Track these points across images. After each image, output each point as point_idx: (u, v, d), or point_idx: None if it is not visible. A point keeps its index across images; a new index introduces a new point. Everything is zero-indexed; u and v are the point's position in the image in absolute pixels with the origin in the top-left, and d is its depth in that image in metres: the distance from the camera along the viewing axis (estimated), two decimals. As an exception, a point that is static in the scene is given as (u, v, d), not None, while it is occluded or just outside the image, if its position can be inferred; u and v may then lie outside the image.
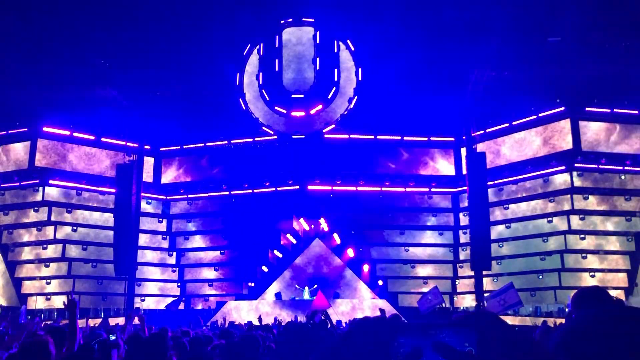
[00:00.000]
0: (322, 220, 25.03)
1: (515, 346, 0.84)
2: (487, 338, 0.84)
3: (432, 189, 25.48)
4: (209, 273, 26.43)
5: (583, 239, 22.90)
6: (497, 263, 23.31)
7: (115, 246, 21.77)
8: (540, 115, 23.26)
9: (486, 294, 20.45)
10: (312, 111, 25.32)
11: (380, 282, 24.92)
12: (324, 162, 24.90)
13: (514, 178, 23.93)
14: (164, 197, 26.81)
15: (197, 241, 26.81)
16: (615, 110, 22.38)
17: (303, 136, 25.03)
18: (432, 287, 17.78)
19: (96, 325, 16.79)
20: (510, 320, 19.15)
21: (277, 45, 26.22)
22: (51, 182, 23.94)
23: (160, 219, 26.86)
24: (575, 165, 22.61)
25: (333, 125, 25.41)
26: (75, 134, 24.46)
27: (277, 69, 25.96)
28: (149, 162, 25.96)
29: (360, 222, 25.69)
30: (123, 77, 23.39)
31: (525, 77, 22.93)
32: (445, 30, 21.89)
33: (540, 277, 23.17)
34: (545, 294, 22.95)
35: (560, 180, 23.01)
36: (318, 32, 26.03)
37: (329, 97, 25.49)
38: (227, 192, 25.90)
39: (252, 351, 3.85)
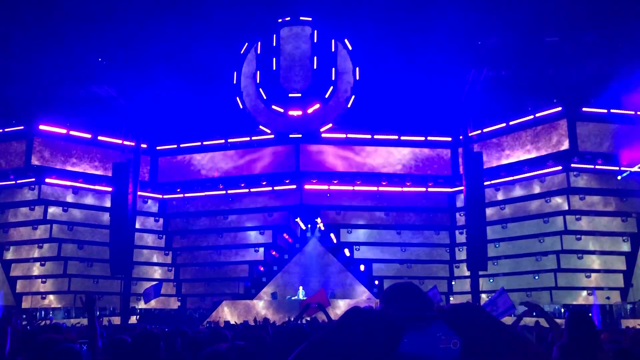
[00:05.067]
0: (318, 220, 25.04)
1: (498, 337, 0.83)
2: (471, 329, 0.83)
3: (429, 189, 25.48)
4: (205, 272, 26.37)
5: (579, 239, 22.93)
6: (493, 263, 23.32)
7: (111, 245, 21.72)
8: (537, 115, 23.28)
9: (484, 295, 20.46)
10: (310, 110, 25.30)
11: (376, 282, 24.94)
12: (321, 161, 24.92)
13: (511, 178, 23.95)
14: (161, 196, 26.77)
15: (194, 240, 26.76)
16: (612, 110, 22.40)
17: (300, 135, 25.01)
18: (432, 287, 17.74)
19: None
20: (507, 321, 19.12)
21: (274, 44, 26.19)
22: (47, 180, 23.85)
23: (157, 218, 26.81)
24: (572, 165, 22.64)
25: (330, 124, 25.40)
26: (71, 132, 24.38)
27: (274, 68, 25.93)
28: (145, 161, 25.90)
29: (357, 222, 25.71)
30: (120, 75, 23.33)
31: (523, 77, 22.97)
32: (443, 30, 21.87)
33: (536, 277, 23.21)
34: (541, 294, 22.98)
35: (557, 180, 23.04)
36: (316, 31, 26.01)
37: (326, 96, 25.47)
38: (224, 191, 25.87)
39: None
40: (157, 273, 26.30)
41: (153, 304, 23.23)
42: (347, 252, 24.94)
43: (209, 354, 3.65)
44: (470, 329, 0.88)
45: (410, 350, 0.84)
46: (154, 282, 24.88)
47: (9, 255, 24.63)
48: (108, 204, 23.39)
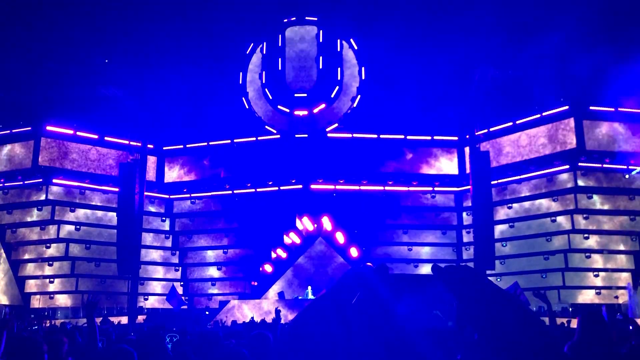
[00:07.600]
0: (325, 220, 25.00)
1: (492, 297, 0.83)
2: (468, 290, 0.83)
3: (436, 188, 25.43)
4: (212, 272, 26.43)
5: (587, 238, 22.81)
6: (500, 262, 23.24)
7: (118, 245, 21.80)
8: (544, 114, 23.19)
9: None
10: (315, 110, 25.31)
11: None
12: (327, 161, 24.88)
13: (518, 177, 23.86)
14: (167, 196, 26.83)
15: (200, 240, 26.82)
16: (619, 109, 22.27)
17: (306, 135, 25.01)
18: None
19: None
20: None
21: (280, 44, 26.22)
22: (54, 180, 23.97)
23: (164, 218, 26.89)
24: (579, 164, 22.53)
25: (336, 124, 25.39)
26: (78, 133, 24.50)
27: (280, 68, 25.97)
28: (152, 161, 25.99)
29: (363, 221, 25.66)
30: (126, 76, 23.42)
31: (529, 76, 22.88)
32: (449, 29, 21.85)
33: (544, 276, 23.10)
34: (548, 293, 22.59)
35: (564, 179, 22.93)
36: (321, 31, 26.02)
37: (332, 96, 25.46)
38: (230, 191, 25.91)
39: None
40: (164, 273, 26.34)
41: (158, 304, 23.31)
42: (354, 251, 24.88)
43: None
44: (467, 290, 0.88)
45: (409, 310, 0.84)
46: (159, 282, 24.95)
47: (18, 255, 24.74)
48: (115, 204, 23.47)
